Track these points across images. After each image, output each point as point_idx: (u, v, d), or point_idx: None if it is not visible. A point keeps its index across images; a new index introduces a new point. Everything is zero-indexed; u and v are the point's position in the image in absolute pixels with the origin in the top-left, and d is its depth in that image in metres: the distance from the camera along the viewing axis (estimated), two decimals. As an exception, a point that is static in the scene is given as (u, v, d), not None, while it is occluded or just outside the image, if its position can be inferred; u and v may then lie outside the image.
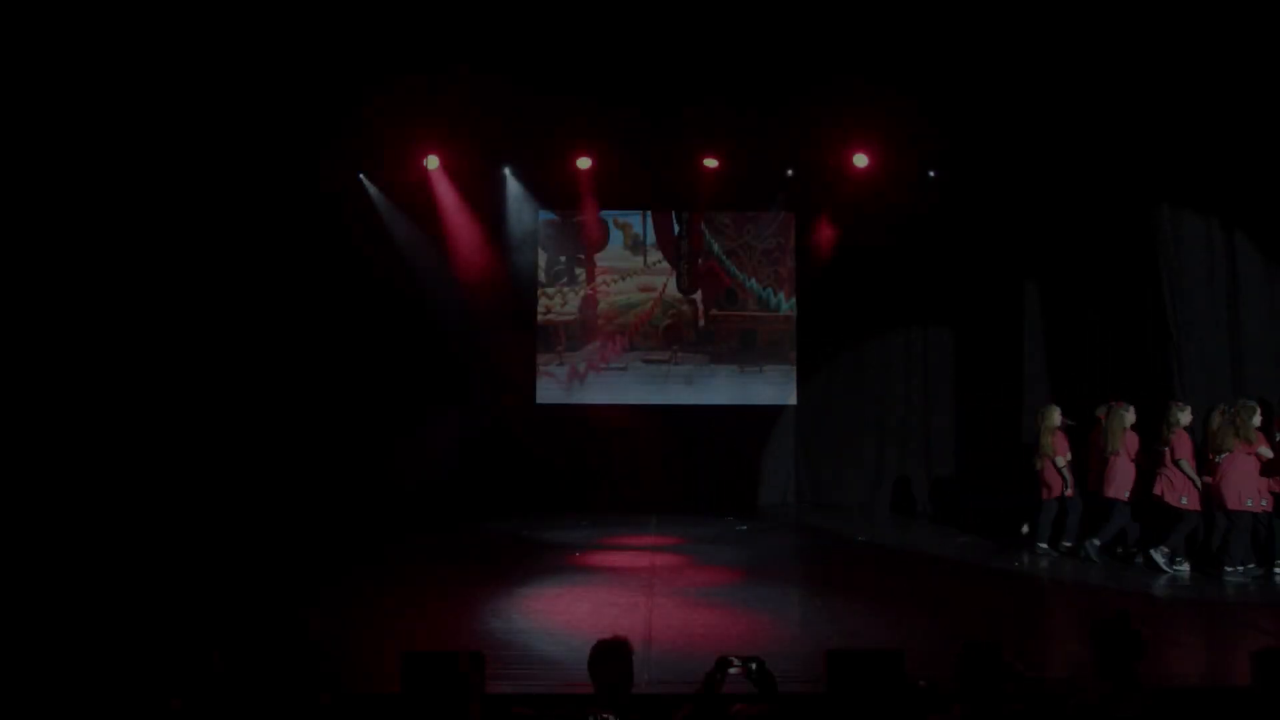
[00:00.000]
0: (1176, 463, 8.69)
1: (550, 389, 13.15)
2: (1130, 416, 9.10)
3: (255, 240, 11.44)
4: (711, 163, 12.21)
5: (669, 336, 13.28)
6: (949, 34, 9.10)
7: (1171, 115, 9.23)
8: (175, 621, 6.59)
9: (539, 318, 13.16)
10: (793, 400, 13.06)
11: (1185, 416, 8.79)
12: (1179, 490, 8.70)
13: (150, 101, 9.51)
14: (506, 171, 12.84)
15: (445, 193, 12.43)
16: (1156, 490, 8.80)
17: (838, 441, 12.83)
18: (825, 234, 12.82)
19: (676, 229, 13.34)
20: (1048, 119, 10.18)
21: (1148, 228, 9.74)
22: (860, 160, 11.87)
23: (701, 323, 13.28)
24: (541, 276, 13.26)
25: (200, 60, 9.07)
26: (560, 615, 7.22)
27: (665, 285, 13.31)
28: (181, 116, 9.85)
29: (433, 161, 12.08)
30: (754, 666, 3.64)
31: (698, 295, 13.29)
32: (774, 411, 13.07)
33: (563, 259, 13.37)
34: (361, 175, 12.31)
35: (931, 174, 12.19)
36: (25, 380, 9.40)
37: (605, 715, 3.47)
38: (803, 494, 12.91)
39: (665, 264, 13.31)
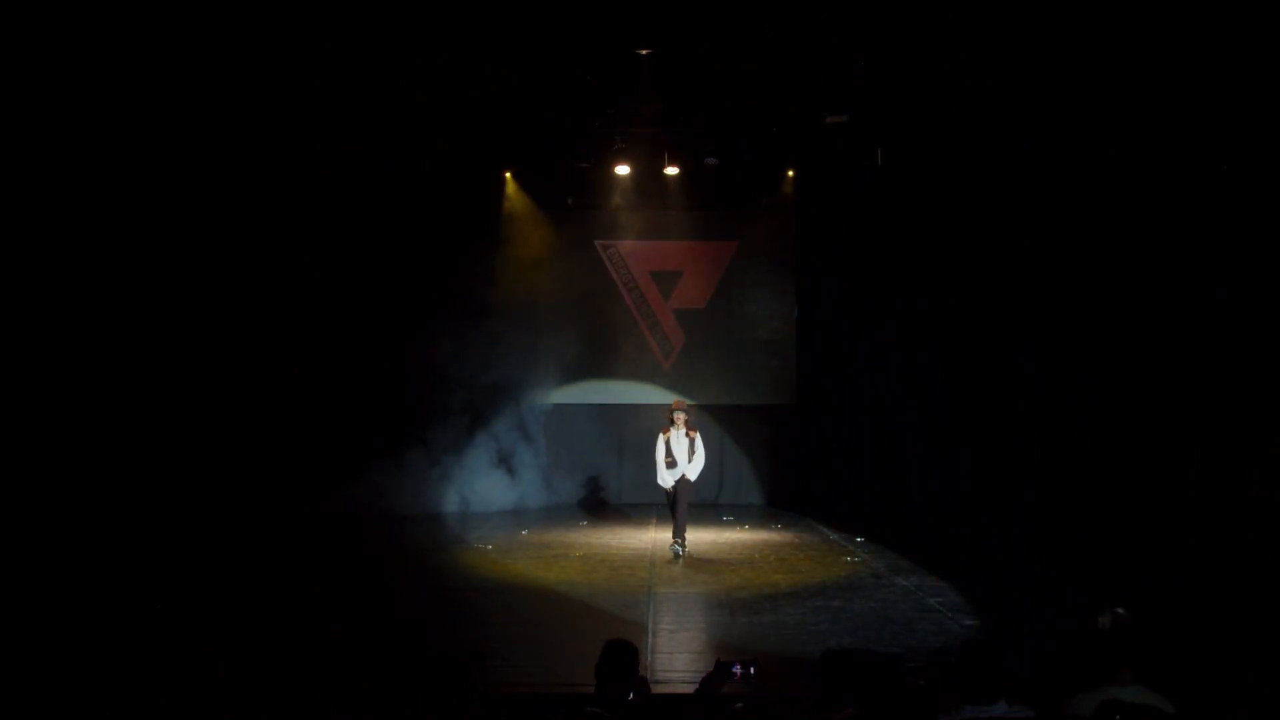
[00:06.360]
0: None
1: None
2: None
3: (248, 239, 11.32)
4: (713, 162, 12.23)
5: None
6: (949, 33, 9.07)
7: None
8: (162, 623, 6.54)
9: (540, 317, 13.16)
10: (793, 400, 13.08)
11: None
12: None
13: (120, 96, 9.19)
14: (507, 173, 12.87)
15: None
16: None
17: (837, 441, 12.82)
18: (825, 234, 12.83)
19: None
20: (1053, 117, 10.13)
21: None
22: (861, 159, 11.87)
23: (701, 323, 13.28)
24: (543, 276, 13.26)
25: (169, 48, 8.72)
26: (561, 614, 7.24)
27: (667, 285, 13.31)
28: (159, 113, 9.53)
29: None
30: (752, 669, 3.66)
31: (698, 296, 13.32)
32: (774, 411, 13.08)
33: (564, 259, 13.36)
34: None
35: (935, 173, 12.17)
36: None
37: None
38: (801, 493, 12.91)
39: (667, 262, 13.34)
